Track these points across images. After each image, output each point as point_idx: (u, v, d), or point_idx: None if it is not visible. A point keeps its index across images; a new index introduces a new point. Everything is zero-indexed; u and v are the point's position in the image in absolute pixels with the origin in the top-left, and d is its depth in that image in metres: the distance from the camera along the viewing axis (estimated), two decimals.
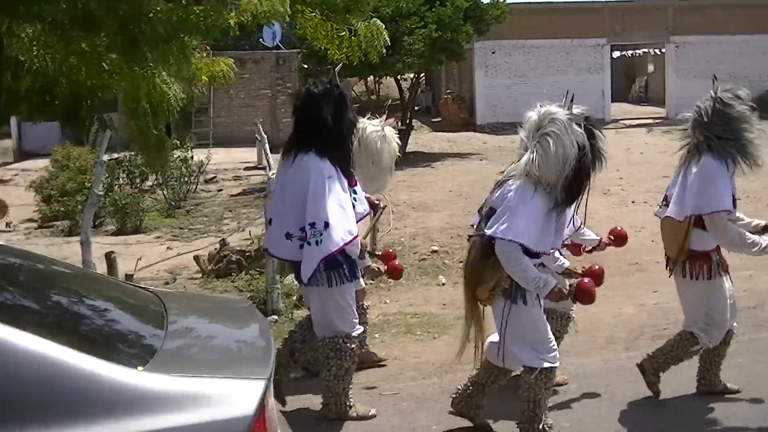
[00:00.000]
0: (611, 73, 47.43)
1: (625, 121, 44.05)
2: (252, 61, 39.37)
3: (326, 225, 7.62)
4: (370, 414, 8.24)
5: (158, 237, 19.63)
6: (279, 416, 6.19)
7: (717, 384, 8.45)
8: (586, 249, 8.79)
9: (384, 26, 11.15)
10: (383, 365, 9.69)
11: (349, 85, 9.51)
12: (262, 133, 16.80)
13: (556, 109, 6.94)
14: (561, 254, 7.79)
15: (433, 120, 45.57)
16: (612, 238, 8.85)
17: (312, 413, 8.35)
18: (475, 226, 7.47)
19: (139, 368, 4.03)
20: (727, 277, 8.18)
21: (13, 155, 36.31)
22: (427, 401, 8.62)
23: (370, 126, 9.36)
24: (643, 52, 58.01)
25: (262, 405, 4.10)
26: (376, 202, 9.16)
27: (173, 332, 4.70)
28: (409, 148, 29.73)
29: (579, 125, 6.87)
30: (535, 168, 6.77)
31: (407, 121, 31.04)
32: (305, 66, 34.32)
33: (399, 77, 33.17)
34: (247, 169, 30.10)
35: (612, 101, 46.59)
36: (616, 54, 52.73)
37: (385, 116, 9.80)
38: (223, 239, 16.63)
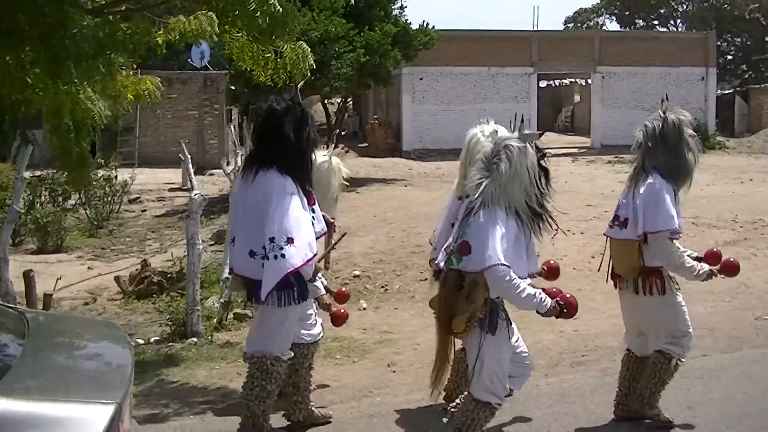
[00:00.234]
0: (538, 102, 47.86)
1: (551, 150, 44.40)
2: (180, 82, 39.24)
3: (290, 240, 7.54)
4: None
5: (80, 257, 19.47)
6: None
7: (656, 408, 8.41)
8: None
9: (310, 49, 11.13)
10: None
11: (310, 103, 9.52)
12: (186, 153, 16.74)
13: (508, 134, 7.01)
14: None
15: (359, 145, 45.67)
16: (545, 269, 8.83)
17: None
18: (442, 262, 7.46)
19: None
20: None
21: None
22: (346, 425, 8.59)
23: (318, 156, 9.31)
24: (570, 81, 58.64)
25: (109, 429, 3.99)
26: (331, 220, 9.15)
27: (29, 354, 4.61)
28: None
29: (531, 146, 6.96)
30: (497, 194, 6.82)
31: (334, 145, 31.06)
32: (233, 87, 34.25)
33: (326, 101, 33.23)
34: (171, 190, 29.97)
35: (538, 130, 46.88)
36: (543, 83, 53.24)
37: (333, 145, 9.80)
38: (144, 260, 16.55)
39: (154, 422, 8.71)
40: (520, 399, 8.85)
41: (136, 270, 15.82)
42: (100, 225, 23.09)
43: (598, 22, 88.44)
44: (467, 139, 8.79)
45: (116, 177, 24.70)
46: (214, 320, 12.60)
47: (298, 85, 8.54)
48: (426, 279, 15.31)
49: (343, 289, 9.84)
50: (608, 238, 8.40)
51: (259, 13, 8.58)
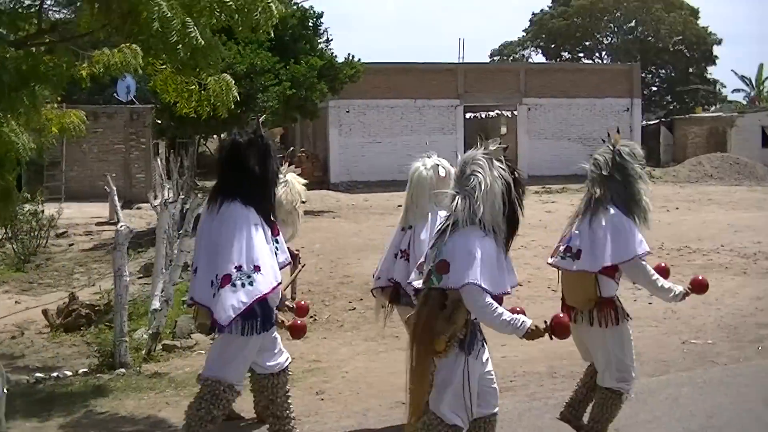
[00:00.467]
0: (464, 133, 48.17)
1: None
2: (106, 116, 39.09)
3: (257, 269, 7.66)
4: None
5: (6, 291, 19.29)
6: None
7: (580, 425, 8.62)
8: None
9: (236, 82, 11.22)
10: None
11: (272, 135, 9.57)
12: (112, 185, 16.75)
13: (474, 152, 7.03)
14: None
15: None
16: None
17: None
18: (420, 282, 7.47)
19: None
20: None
21: None
22: None
23: None
24: (496, 113, 59.10)
25: None
26: (296, 252, 9.23)
27: None
28: None
29: (499, 160, 6.98)
30: (470, 212, 6.81)
31: (286, 165, 31.02)
32: (159, 121, 34.16)
33: None
34: (99, 224, 29.75)
35: None
36: (469, 115, 53.62)
37: (286, 164, 9.89)
38: (72, 293, 16.46)
39: None
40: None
41: (64, 303, 15.73)
42: (27, 259, 22.88)
43: (523, 55, 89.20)
44: (410, 173, 8.94)
45: (43, 211, 24.47)
46: (143, 351, 12.59)
47: (259, 119, 8.64)
48: (354, 309, 15.47)
49: (303, 302, 9.85)
50: (559, 269, 8.41)
51: (180, 45, 8.64)
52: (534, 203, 32.21)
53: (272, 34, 10.19)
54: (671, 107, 79.76)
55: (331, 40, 44.52)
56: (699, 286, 8.55)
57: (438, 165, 8.89)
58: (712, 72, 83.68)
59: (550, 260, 8.53)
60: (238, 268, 7.62)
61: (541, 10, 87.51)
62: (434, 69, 48.99)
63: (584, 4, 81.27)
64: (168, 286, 13.44)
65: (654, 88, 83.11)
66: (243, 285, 7.59)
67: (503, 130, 61.36)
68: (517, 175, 7.07)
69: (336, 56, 33.57)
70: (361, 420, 8.81)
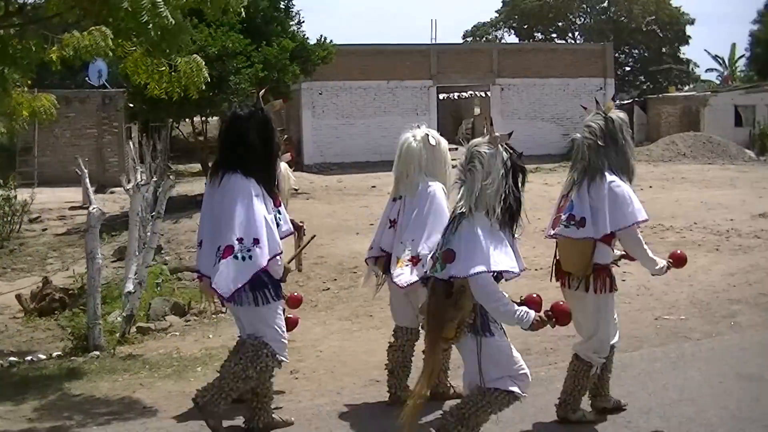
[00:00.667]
0: (438, 114, 48.20)
1: (454, 161, 44.74)
2: (78, 101, 38.91)
3: (256, 242, 7.74)
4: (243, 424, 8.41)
5: None
6: None
7: (608, 401, 8.72)
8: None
9: (208, 65, 11.22)
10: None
11: (273, 108, 9.63)
12: (83, 167, 16.70)
13: (479, 139, 7.09)
14: None
15: None
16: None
17: None
18: (426, 270, 7.47)
19: None
20: None
21: None
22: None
23: None
24: (470, 94, 59.16)
25: None
26: (300, 224, 9.26)
27: None
28: None
29: (503, 146, 7.03)
30: (475, 200, 6.88)
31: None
32: (131, 105, 34.04)
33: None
34: (72, 208, 29.67)
35: None
36: (443, 96, 53.65)
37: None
38: (45, 278, 16.42)
39: None
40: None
41: (38, 288, 15.70)
42: (0, 245, 22.83)
43: (496, 36, 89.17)
44: (400, 144, 8.99)
45: (15, 197, 24.40)
46: (117, 334, 12.58)
47: (260, 93, 8.64)
48: (329, 289, 15.51)
49: (295, 293, 9.85)
50: (557, 238, 8.43)
51: (151, 25, 8.64)
52: None
53: (243, 16, 10.19)
54: (644, 87, 79.99)
55: (303, 22, 44.45)
56: (678, 260, 8.67)
57: (428, 135, 8.95)
58: (685, 52, 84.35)
59: (552, 232, 8.49)
60: (240, 241, 7.74)
61: None
62: (407, 50, 48.94)
63: None
64: (141, 269, 13.42)
65: (627, 68, 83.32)
66: (243, 258, 7.71)
67: (477, 110, 61.46)
68: (520, 163, 7.13)
69: (308, 38, 33.50)
70: (336, 398, 8.84)
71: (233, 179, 7.98)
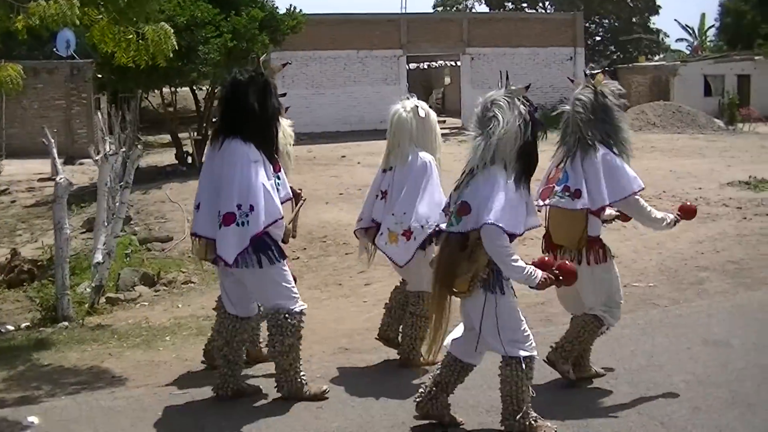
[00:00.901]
0: (408, 84, 48.15)
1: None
2: (46, 72, 38.62)
3: (252, 208, 7.79)
4: (323, 390, 8.48)
5: None
6: None
7: (589, 369, 8.76)
8: None
9: (176, 35, 11.16)
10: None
11: (273, 73, 9.60)
12: (50, 136, 16.65)
13: (495, 92, 7.13)
14: None
15: None
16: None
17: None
18: (443, 225, 7.56)
19: None
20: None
21: None
22: (217, 401, 8.65)
23: None
24: (440, 63, 59.14)
25: None
26: (298, 191, 9.29)
27: None
28: None
29: (519, 99, 7.07)
30: (492, 152, 6.91)
31: (204, 132, 30.82)
32: (99, 76, 33.80)
33: (195, 87, 33.00)
34: (41, 180, 29.51)
35: None
36: (413, 65, 53.59)
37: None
38: (14, 249, 16.39)
39: (26, 404, 8.69)
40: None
41: (6, 259, 15.68)
42: None
43: (467, 5, 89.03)
44: (390, 116, 9.12)
45: None
46: (86, 305, 12.58)
47: (261, 58, 8.64)
48: (298, 258, 15.50)
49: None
50: (548, 209, 8.44)
51: None
52: None
53: None
54: (615, 57, 79.96)
55: None
56: (687, 212, 8.86)
57: (417, 107, 9.08)
58: (655, 21, 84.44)
59: (546, 201, 8.41)
60: (239, 207, 7.80)
61: None
62: (377, 20, 48.83)
63: None
64: (110, 239, 13.41)
65: (597, 38, 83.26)
66: (243, 224, 7.78)
67: (447, 80, 61.50)
68: (537, 117, 7.16)
69: (277, 8, 33.25)
70: (305, 366, 8.80)
71: (233, 144, 8.03)
